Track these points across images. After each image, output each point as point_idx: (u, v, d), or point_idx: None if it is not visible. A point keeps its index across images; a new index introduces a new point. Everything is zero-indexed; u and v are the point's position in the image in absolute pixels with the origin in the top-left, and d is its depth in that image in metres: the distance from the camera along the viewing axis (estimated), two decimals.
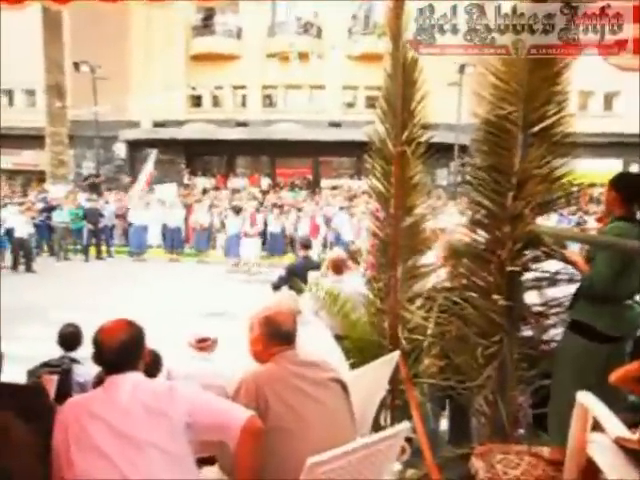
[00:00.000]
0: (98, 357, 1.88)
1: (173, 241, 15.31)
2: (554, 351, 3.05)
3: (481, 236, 3.26)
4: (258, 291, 10.17)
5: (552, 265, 3.17)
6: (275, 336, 2.27)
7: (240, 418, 1.77)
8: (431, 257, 3.81)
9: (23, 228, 12.81)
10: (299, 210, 15.98)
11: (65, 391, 3.02)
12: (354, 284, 4.36)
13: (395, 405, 3.43)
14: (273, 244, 14.94)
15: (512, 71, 3.04)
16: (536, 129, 3.00)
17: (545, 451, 2.76)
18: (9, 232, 12.67)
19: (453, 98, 18.27)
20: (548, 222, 3.41)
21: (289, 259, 13.24)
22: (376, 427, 3.28)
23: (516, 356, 3.07)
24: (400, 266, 3.30)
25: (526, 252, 3.09)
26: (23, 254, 12.74)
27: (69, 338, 3.71)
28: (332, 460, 1.83)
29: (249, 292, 10.21)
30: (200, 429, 1.80)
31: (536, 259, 3.15)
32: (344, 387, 2.30)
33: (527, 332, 3.22)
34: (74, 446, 1.69)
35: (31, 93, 24.84)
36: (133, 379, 1.85)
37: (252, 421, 1.78)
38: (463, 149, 20.18)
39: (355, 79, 23.72)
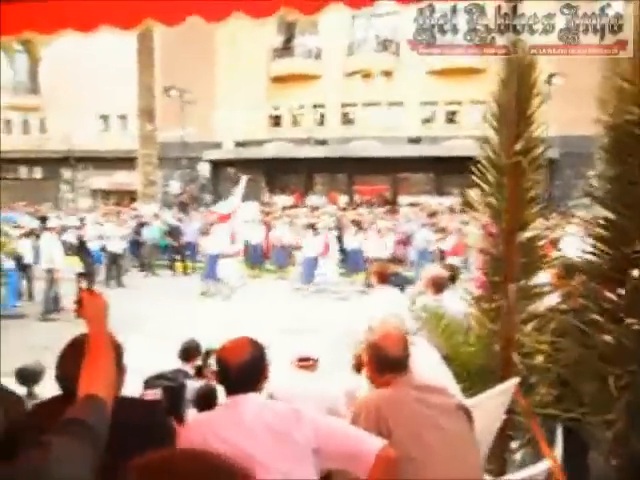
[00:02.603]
0: (223, 376, 1.81)
1: (254, 257, 15.60)
2: None
3: (605, 253, 2.97)
4: (336, 307, 10.16)
5: None
6: (383, 364, 2.08)
7: (373, 447, 1.62)
8: (542, 277, 3.53)
9: (116, 244, 13.48)
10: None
11: (178, 404, 3.02)
12: (454, 303, 4.13)
13: (506, 435, 3.17)
14: (353, 261, 14.80)
15: None
16: None
17: None
18: (104, 248, 13.36)
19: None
20: None
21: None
22: None
23: None
24: (514, 285, 3.05)
25: None
26: (115, 269, 13.37)
27: (190, 351, 3.79)
28: None
29: (329, 308, 10.16)
30: (327, 456, 1.67)
31: None
32: (469, 415, 2.11)
33: None
34: None
35: (124, 117, 26.46)
36: (256, 400, 1.77)
37: (387, 451, 1.62)
38: (551, 163, 19.28)
39: (434, 94, 23.39)
